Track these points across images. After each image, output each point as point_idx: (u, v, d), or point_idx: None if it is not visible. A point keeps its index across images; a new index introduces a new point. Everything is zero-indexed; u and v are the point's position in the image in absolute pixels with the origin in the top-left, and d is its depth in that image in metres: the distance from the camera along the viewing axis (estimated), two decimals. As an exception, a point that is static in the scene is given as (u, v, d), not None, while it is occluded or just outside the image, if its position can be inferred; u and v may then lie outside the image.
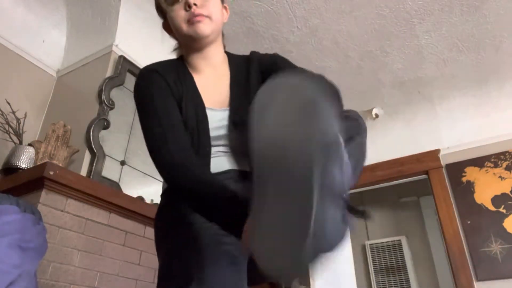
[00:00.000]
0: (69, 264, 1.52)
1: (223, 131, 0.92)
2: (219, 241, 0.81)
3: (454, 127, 3.17)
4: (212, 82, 0.98)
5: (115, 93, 2.20)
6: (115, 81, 2.21)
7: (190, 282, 0.74)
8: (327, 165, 0.53)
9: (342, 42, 2.65)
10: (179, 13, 0.94)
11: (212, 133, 0.91)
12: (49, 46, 2.52)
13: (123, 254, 1.75)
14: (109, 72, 2.23)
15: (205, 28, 0.93)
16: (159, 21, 1.06)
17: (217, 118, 0.93)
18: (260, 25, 2.49)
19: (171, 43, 1.09)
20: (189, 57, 1.00)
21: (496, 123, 3.02)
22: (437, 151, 3.15)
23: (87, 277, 1.57)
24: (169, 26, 1.01)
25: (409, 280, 4.09)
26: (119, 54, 2.31)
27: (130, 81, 2.33)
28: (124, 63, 2.29)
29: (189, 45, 0.99)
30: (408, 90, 3.10)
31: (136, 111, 0.95)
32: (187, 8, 0.93)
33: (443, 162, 3.11)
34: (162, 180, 2.25)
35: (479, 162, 2.97)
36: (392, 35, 2.58)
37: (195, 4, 0.92)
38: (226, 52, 1.07)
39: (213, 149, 0.90)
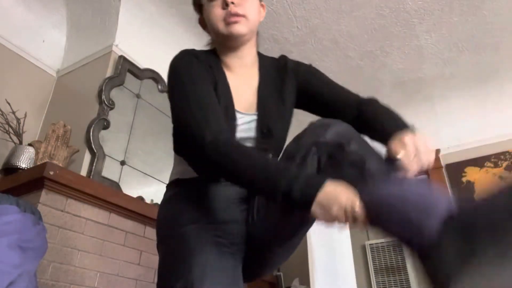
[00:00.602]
0: (69, 264, 1.52)
1: (244, 135, 0.91)
2: (218, 242, 0.82)
3: (454, 127, 3.16)
4: (242, 83, 0.97)
5: (115, 93, 2.19)
6: (115, 81, 2.21)
7: (189, 281, 0.74)
8: None
9: (342, 42, 2.65)
10: (216, 11, 0.93)
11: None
12: (49, 46, 2.52)
13: (123, 254, 1.75)
14: (109, 72, 2.23)
15: (241, 28, 0.93)
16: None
17: (241, 122, 0.91)
18: (260, 25, 2.48)
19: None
20: (223, 55, 0.99)
21: (496, 123, 3.01)
22: (437, 151, 3.14)
23: (87, 277, 1.57)
24: (204, 22, 1.01)
25: (409, 280, 4.08)
26: (119, 54, 2.30)
27: (130, 81, 2.33)
28: (124, 63, 2.29)
29: (224, 43, 0.98)
30: (408, 90, 3.09)
31: (168, 92, 0.91)
32: (225, 7, 0.92)
33: (443, 162, 3.10)
34: (162, 180, 2.25)
35: (479, 162, 2.97)
36: (392, 35, 2.58)
37: (232, 3, 0.91)
38: (257, 52, 1.06)
39: None
